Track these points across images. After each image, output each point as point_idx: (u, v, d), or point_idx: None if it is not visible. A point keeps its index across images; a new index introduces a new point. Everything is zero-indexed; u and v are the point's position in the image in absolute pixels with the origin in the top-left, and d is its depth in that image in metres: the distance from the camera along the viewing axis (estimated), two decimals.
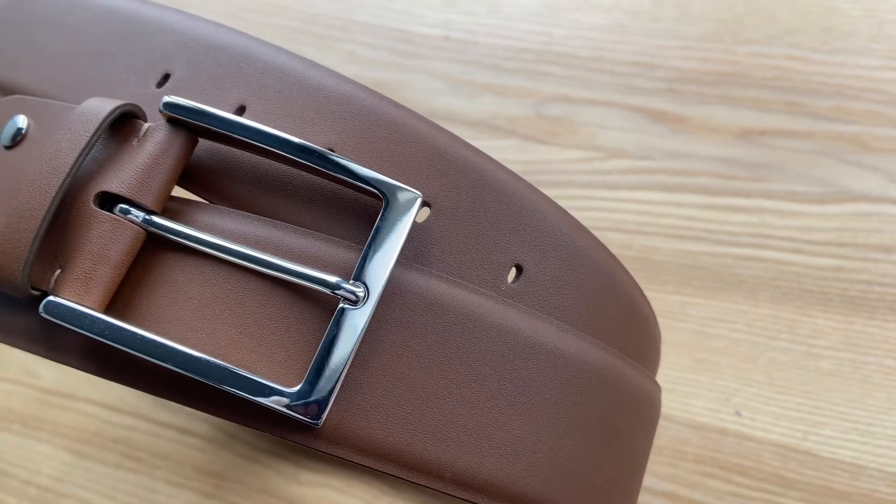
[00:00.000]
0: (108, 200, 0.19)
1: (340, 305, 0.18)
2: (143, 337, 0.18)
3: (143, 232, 0.19)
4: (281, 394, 0.18)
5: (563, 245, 0.21)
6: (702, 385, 0.34)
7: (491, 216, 0.21)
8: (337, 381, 0.18)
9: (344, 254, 0.19)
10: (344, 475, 0.36)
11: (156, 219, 0.19)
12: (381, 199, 0.19)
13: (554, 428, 0.20)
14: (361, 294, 0.18)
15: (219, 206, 0.20)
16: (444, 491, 0.19)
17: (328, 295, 0.19)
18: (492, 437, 0.19)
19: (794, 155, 0.37)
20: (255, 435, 0.38)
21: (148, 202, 0.19)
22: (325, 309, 0.19)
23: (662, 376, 0.34)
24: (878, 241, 0.35)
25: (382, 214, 0.19)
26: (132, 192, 0.19)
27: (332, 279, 0.18)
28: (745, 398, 0.34)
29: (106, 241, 0.19)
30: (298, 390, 0.18)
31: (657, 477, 0.33)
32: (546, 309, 0.21)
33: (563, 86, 0.40)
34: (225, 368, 0.18)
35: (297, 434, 0.18)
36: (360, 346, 0.18)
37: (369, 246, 0.19)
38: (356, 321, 0.18)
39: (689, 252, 0.36)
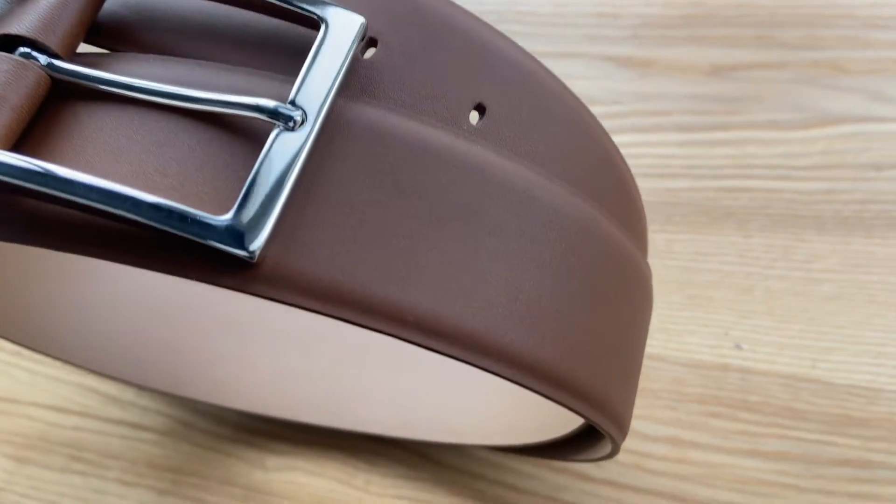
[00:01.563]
0: (9, 44, 0.17)
1: (275, 131, 0.16)
2: (47, 171, 0.15)
3: (47, 78, 0.17)
4: (205, 225, 0.15)
5: (532, 86, 0.19)
6: (696, 321, 0.31)
7: (447, 54, 0.18)
8: (272, 207, 0.15)
9: (278, 86, 0.17)
10: (313, 455, 0.33)
11: (61, 63, 0.17)
12: (318, 27, 0.17)
13: (533, 278, 0.17)
14: (298, 118, 0.16)
15: (135, 54, 0.18)
16: (408, 338, 0.16)
17: (260, 125, 0.16)
18: (460, 280, 0.17)
19: (770, 85, 0.35)
20: (215, 421, 0.34)
21: (53, 44, 0.17)
22: (256, 142, 0.16)
23: (653, 317, 0.32)
24: (868, 160, 0.33)
25: (320, 40, 0.17)
26: (35, 33, 0.17)
27: (267, 103, 0.16)
28: (744, 331, 0.31)
29: (4, 83, 0.16)
30: (228, 220, 0.15)
31: (656, 422, 0.30)
32: (514, 152, 0.18)
33: (528, 42, 0.39)
34: (139, 199, 0.15)
35: (229, 277, 0.16)
36: (300, 175, 0.16)
37: (306, 71, 0.16)
38: (293, 143, 0.16)
39: (670, 189, 0.34)
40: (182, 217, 0.15)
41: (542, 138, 0.19)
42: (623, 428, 0.20)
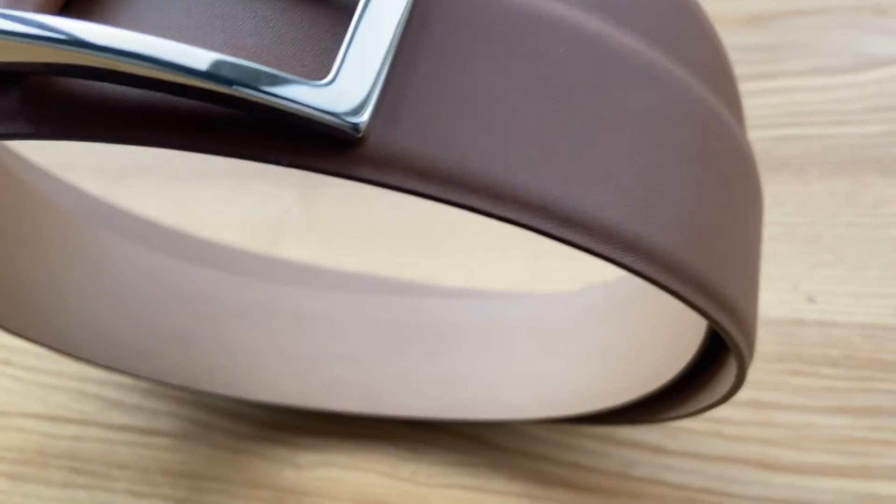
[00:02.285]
0: None
1: None
2: (100, 37, 0.12)
3: None
4: (300, 92, 0.12)
5: None
6: (765, 277, 0.29)
7: None
8: (375, 76, 0.13)
9: None
10: (348, 447, 0.29)
11: None
12: None
13: (667, 165, 0.15)
14: None
15: None
16: (542, 228, 0.14)
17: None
18: (592, 164, 0.14)
19: (813, 32, 0.33)
20: (235, 419, 0.31)
21: None
22: (343, 9, 0.14)
23: None
24: None
25: None
26: None
27: None
28: (817, 282, 0.29)
29: None
30: (326, 88, 0.12)
31: None
32: (630, 27, 0.16)
33: None
34: (221, 61, 0.12)
35: (328, 159, 0.13)
36: (401, 43, 0.13)
37: None
38: (392, 5, 0.13)
39: None
40: (271, 80, 0.12)
41: (653, 17, 0.16)
42: (752, 353, 0.18)
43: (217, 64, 0.12)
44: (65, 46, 0.12)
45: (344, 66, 0.12)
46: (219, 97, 0.12)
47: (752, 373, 0.27)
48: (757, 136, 0.32)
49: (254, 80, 0.12)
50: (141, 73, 0.12)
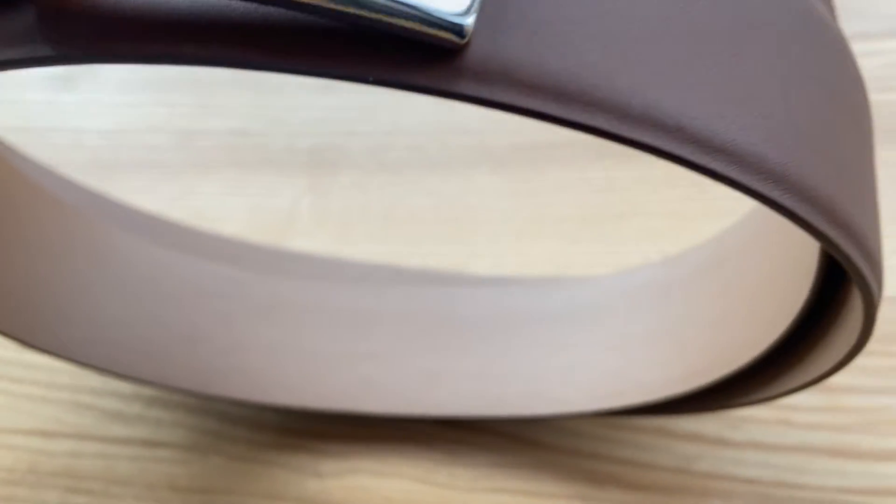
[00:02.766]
0: None
1: None
2: None
3: None
4: None
5: None
6: None
7: None
8: None
9: None
10: (377, 452, 0.27)
11: None
12: None
13: (804, 92, 0.13)
14: None
15: None
16: (680, 154, 0.11)
17: None
18: (730, 85, 0.12)
19: None
20: (251, 427, 0.28)
21: None
22: None
23: None
24: None
25: None
26: None
27: None
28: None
29: None
30: None
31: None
32: None
33: None
34: None
35: (424, 72, 0.10)
36: None
37: None
38: None
39: None
40: None
41: None
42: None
43: None
44: None
45: None
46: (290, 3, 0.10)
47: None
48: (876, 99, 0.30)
49: None
50: None
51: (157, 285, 0.27)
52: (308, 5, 0.10)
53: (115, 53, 0.10)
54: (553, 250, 0.30)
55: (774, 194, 0.12)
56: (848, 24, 0.31)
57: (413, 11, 0.10)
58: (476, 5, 0.10)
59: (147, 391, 0.29)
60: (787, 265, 0.19)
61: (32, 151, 0.29)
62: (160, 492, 0.28)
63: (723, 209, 0.25)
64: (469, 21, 0.10)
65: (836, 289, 0.18)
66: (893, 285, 0.26)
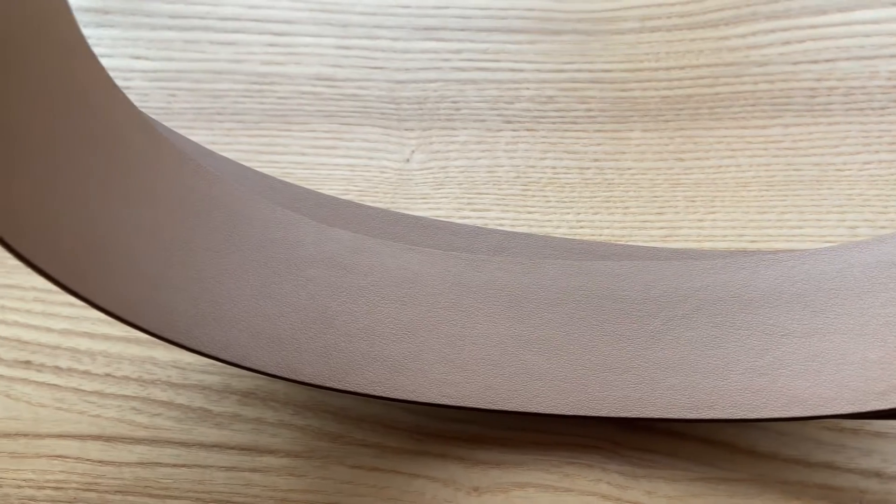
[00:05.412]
0: None
1: None
2: None
3: None
4: None
5: None
6: None
7: None
8: None
9: None
10: (547, 462, 0.22)
11: None
12: None
13: None
14: None
15: None
16: None
17: None
18: None
19: None
20: (382, 429, 0.23)
21: None
22: None
23: None
24: None
25: None
26: None
27: None
28: None
29: None
30: None
31: None
32: None
33: None
34: None
35: None
36: None
37: None
38: None
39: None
40: None
41: None
42: None
43: None
44: None
45: None
46: None
47: None
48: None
49: None
50: None
51: (279, 251, 0.21)
52: None
53: None
54: (735, 220, 0.25)
55: None
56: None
57: None
58: None
59: (240, 384, 0.24)
60: None
61: None
62: None
63: None
64: None
65: None
66: None
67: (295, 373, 0.21)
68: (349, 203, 0.25)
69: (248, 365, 0.20)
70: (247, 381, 0.24)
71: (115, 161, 0.17)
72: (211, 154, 0.24)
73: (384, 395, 0.21)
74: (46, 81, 0.15)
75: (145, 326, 0.18)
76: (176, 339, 0.18)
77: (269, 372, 0.20)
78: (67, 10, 0.15)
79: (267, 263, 0.21)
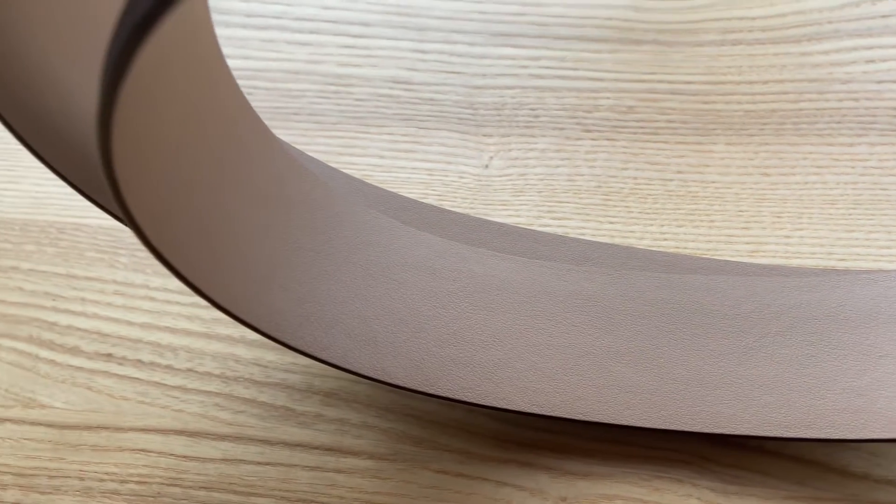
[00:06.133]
0: None
1: None
2: None
3: None
4: None
5: None
6: None
7: None
8: None
9: None
10: (637, 476, 0.21)
11: None
12: None
13: None
14: None
15: None
16: None
17: None
18: None
19: None
20: (468, 435, 0.23)
21: None
22: None
23: None
24: None
25: None
26: None
27: None
28: None
29: None
30: None
31: None
32: None
33: None
34: None
35: None
36: None
37: None
38: None
39: None
40: None
41: None
42: None
43: None
44: None
45: None
46: None
47: None
48: None
49: None
50: None
51: (372, 254, 0.21)
52: None
53: None
54: (823, 238, 0.25)
55: None
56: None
57: None
58: None
59: (323, 384, 0.24)
60: None
61: None
62: None
63: None
64: None
65: None
66: None
67: (389, 376, 0.21)
68: (432, 207, 0.25)
69: (346, 367, 0.20)
70: (329, 381, 0.24)
71: (236, 161, 0.17)
72: (301, 154, 0.24)
73: (475, 401, 0.21)
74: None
75: (258, 326, 0.18)
76: (284, 340, 0.19)
77: (366, 374, 0.20)
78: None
79: (362, 265, 0.21)
